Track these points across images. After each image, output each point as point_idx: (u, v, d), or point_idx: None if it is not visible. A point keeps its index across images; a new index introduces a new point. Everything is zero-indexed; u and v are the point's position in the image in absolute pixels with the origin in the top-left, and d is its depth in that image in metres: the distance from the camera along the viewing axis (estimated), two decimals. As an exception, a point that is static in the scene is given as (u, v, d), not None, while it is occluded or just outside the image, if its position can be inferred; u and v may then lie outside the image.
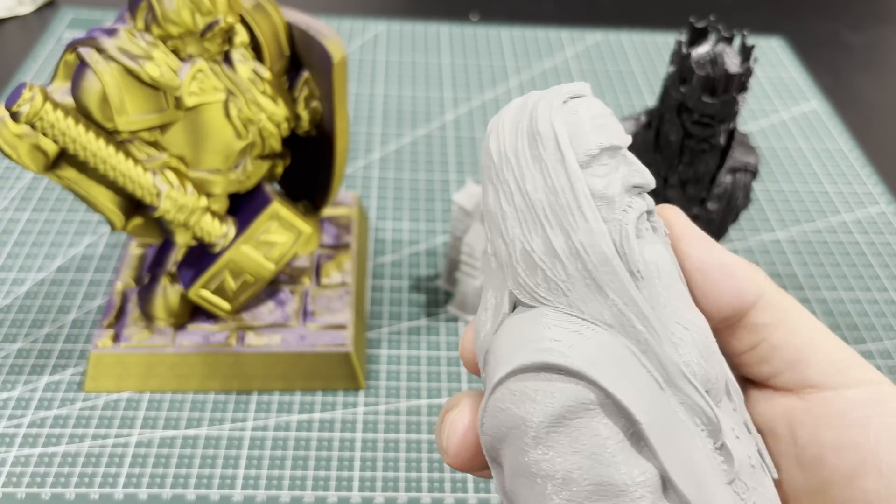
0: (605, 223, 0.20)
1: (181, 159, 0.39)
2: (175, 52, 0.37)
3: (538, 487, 0.19)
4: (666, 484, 0.19)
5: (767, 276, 0.22)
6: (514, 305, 0.21)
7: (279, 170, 0.43)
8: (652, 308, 0.20)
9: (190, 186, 0.39)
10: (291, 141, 0.44)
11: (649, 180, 0.21)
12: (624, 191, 0.20)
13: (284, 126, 0.41)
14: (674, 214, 0.23)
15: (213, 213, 0.41)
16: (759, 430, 0.22)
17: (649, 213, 0.21)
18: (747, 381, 0.24)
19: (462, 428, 0.22)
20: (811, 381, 0.22)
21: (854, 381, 0.22)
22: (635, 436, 0.19)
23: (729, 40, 0.42)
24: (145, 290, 0.43)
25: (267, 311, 0.45)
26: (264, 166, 0.42)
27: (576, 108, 0.21)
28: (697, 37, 0.43)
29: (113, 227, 0.41)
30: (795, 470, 0.22)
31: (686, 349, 0.20)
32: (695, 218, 0.44)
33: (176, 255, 0.43)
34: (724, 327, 0.22)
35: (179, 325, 0.44)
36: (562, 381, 0.19)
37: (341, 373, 0.44)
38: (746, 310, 0.22)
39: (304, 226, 0.42)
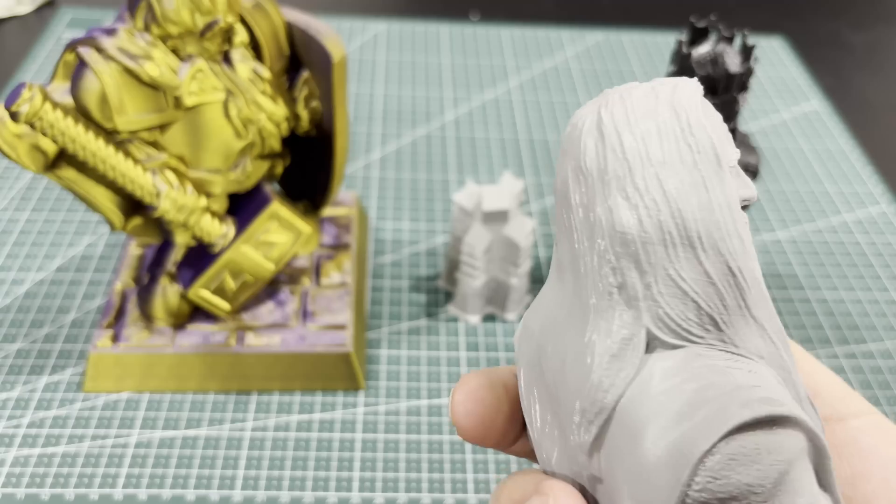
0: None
1: (181, 159, 0.39)
2: (174, 51, 0.37)
3: None
4: None
5: None
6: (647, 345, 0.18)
7: (279, 170, 0.43)
8: None
9: (189, 186, 0.39)
10: (291, 141, 0.44)
11: (755, 193, 0.19)
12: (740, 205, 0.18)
13: (284, 126, 0.41)
14: None
15: (213, 213, 0.41)
16: None
17: None
18: None
19: None
20: (821, 415, 0.21)
21: (855, 411, 0.22)
22: (815, 472, 0.18)
23: (729, 40, 0.42)
24: (145, 291, 0.43)
25: (266, 312, 0.45)
26: (264, 166, 0.42)
27: (713, 109, 0.18)
28: (698, 36, 0.43)
29: (112, 228, 0.40)
30: None
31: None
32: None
33: (175, 256, 0.43)
34: None
35: (179, 326, 0.44)
36: (782, 433, 0.16)
37: (341, 373, 0.44)
38: None
39: (304, 226, 0.42)
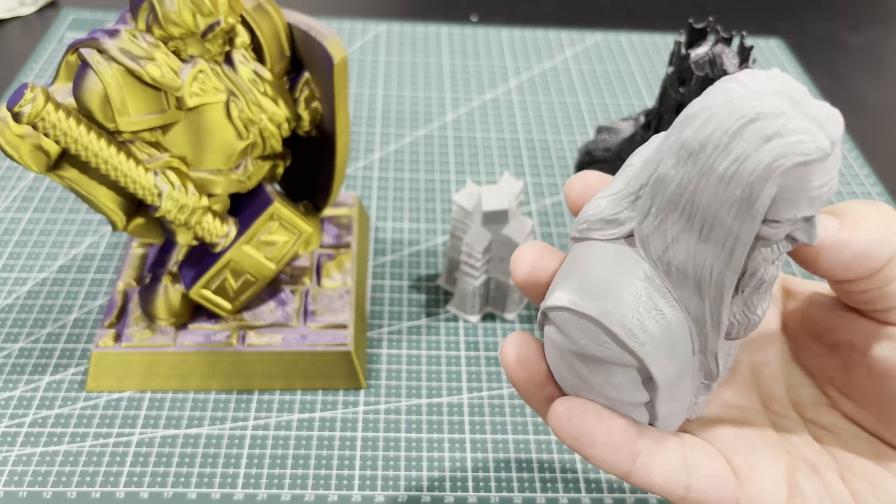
0: (748, 254, 0.22)
1: (182, 159, 0.39)
2: (176, 52, 0.37)
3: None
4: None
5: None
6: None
7: (280, 170, 0.44)
8: (727, 315, 0.23)
9: (191, 187, 0.40)
10: (292, 141, 0.44)
11: (813, 243, 0.22)
12: (785, 238, 0.22)
13: (285, 126, 0.41)
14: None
15: (215, 213, 0.41)
16: (839, 344, 0.26)
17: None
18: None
19: None
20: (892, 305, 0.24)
21: None
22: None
23: (728, 41, 0.42)
24: (147, 290, 0.43)
25: (268, 311, 0.45)
26: (265, 167, 0.42)
27: (799, 175, 0.20)
28: (696, 38, 0.43)
29: (114, 228, 0.41)
30: (866, 380, 0.25)
31: (731, 328, 0.24)
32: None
33: (177, 255, 0.43)
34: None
35: (181, 325, 0.44)
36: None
37: (342, 372, 0.44)
38: (879, 270, 0.23)
39: (305, 226, 0.42)
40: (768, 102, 0.20)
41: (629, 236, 0.23)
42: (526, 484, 0.41)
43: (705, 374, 0.25)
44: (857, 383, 0.26)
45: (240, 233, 0.41)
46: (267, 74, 0.40)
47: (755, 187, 0.20)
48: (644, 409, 0.24)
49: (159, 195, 0.38)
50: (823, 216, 0.23)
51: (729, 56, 0.41)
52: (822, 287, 0.28)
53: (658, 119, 0.44)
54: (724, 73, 0.41)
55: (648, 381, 0.23)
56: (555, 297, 0.23)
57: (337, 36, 0.40)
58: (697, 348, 0.24)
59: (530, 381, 0.25)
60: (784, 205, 0.20)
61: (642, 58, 0.76)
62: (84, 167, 0.38)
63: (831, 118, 0.20)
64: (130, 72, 0.36)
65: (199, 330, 0.44)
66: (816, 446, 0.27)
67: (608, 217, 0.24)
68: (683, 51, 0.42)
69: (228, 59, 0.39)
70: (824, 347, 0.27)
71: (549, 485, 0.41)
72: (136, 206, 0.41)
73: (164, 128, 0.38)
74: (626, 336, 0.22)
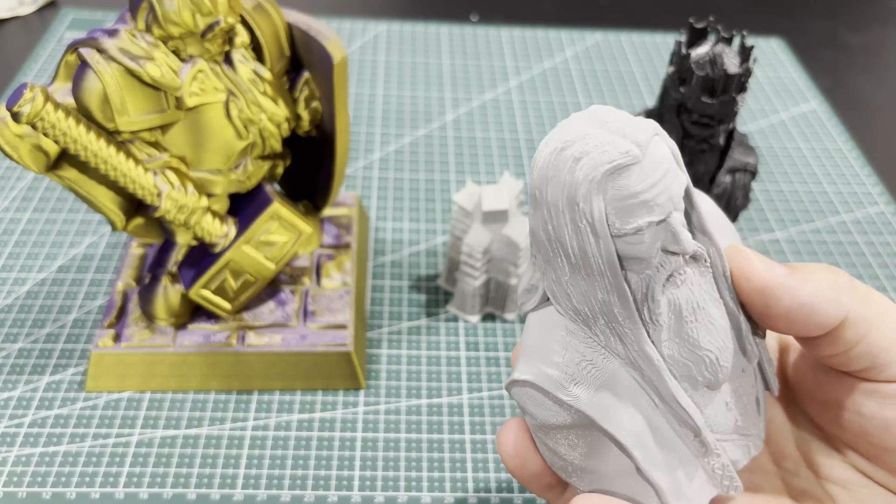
0: (631, 281, 0.22)
1: (182, 159, 0.39)
2: (176, 52, 0.37)
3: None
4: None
5: (849, 282, 0.23)
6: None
7: (280, 170, 0.43)
8: (662, 346, 0.23)
9: (191, 187, 0.39)
10: (292, 141, 0.44)
11: (685, 249, 0.22)
12: (660, 252, 0.22)
13: (285, 126, 0.41)
14: (737, 259, 0.24)
15: (214, 214, 0.41)
16: (829, 402, 0.26)
17: (694, 256, 0.23)
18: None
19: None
20: (886, 377, 0.24)
21: None
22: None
23: (728, 41, 0.42)
24: (146, 290, 0.43)
25: (267, 311, 0.45)
26: (265, 166, 0.42)
27: (619, 184, 0.21)
28: (697, 37, 0.43)
29: (114, 228, 0.41)
30: (864, 437, 0.25)
31: (687, 370, 0.23)
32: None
33: (177, 255, 0.43)
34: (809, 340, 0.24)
35: (180, 325, 0.44)
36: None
37: (342, 372, 0.44)
38: (831, 330, 0.23)
39: (305, 226, 0.42)
40: (573, 130, 0.22)
41: (547, 297, 0.24)
42: (526, 484, 0.41)
43: (692, 431, 0.24)
44: (856, 440, 0.25)
45: (239, 233, 0.41)
46: (267, 74, 0.39)
47: (583, 207, 0.21)
48: (645, 485, 0.24)
49: (159, 195, 0.38)
50: (774, 262, 0.24)
51: (729, 56, 0.41)
52: None
53: (658, 119, 0.44)
54: (725, 72, 0.41)
55: (613, 440, 0.23)
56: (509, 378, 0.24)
57: (337, 36, 0.40)
58: (657, 399, 0.23)
59: (526, 471, 0.25)
60: (620, 215, 0.21)
61: (642, 58, 0.76)
62: (83, 167, 0.38)
63: (632, 126, 0.22)
64: (130, 71, 0.36)
65: (199, 330, 0.44)
66: None
67: (527, 286, 0.24)
68: (684, 50, 0.42)
69: (228, 59, 0.39)
70: (818, 404, 0.26)
71: (549, 485, 0.41)
72: (135, 206, 0.41)
73: (164, 128, 0.38)
74: (559, 392, 0.22)
